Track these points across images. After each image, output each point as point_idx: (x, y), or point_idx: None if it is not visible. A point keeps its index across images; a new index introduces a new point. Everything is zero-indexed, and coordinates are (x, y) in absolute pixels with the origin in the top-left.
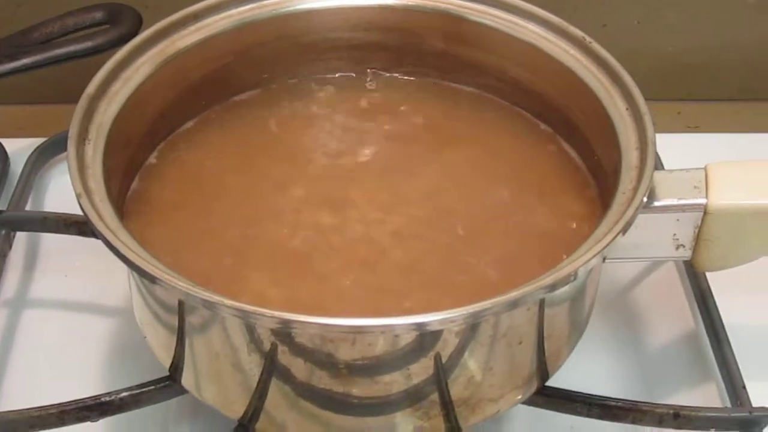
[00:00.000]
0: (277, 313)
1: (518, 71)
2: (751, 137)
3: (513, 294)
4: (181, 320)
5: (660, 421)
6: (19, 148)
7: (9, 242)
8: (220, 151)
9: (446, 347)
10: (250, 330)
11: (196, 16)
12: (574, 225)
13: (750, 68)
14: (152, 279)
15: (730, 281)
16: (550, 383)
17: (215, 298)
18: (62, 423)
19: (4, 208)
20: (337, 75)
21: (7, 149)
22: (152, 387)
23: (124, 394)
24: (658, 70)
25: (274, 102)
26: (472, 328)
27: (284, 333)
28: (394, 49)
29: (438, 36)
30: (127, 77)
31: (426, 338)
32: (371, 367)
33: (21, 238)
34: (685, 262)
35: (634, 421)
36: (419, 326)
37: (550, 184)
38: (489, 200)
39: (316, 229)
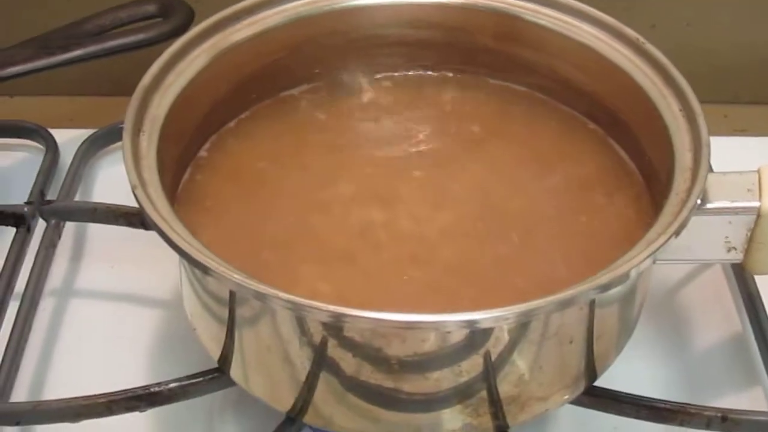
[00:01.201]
0: (330, 307)
1: (570, 71)
2: None
3: (565, 293)
4: (231, 312)
5: (708, 424)
6: (69, 139)
7: (58, 232)
8: (270, 145)
9: (497, 345)
10: (301, 323)
11: (250, 11)
12: (624, 226)
13: None
14: (205, 270)
15: None
16: (597, 384)
17: (268, 290)
18: (110, 412)
19: (54, 198)
20: (386, 71)
21: (57, 140)
22: (201, 378)
23: (173, 384)
24: (705, 73)
25: (324, 97)
26: (523, 326)
27: (335, 327)
28: (445, 47)
29: (489, 34)
30: (181, 70)
31: (477, 336)
32: (421, 363)
33: (69, 228)
34: (733, 264)
35: (682, 424)
36: (471, 323)
37: (600, 184)
38: (538, 199)
39: (365, 225)
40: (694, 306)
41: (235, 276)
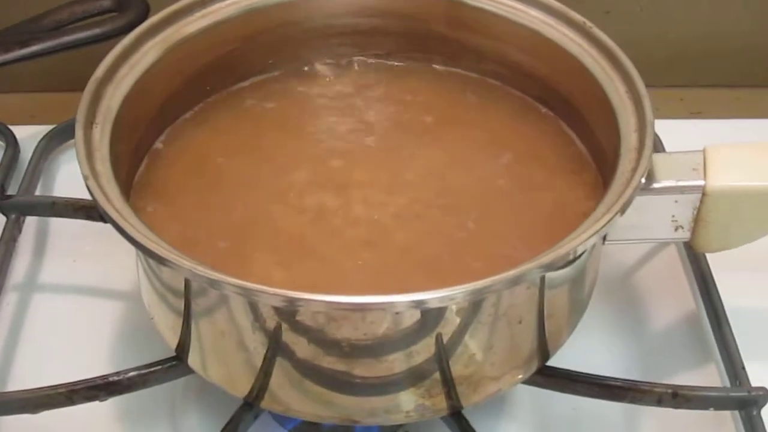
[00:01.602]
0: (280, 291)
1: (520, 56)
2: (753, 123)
3: (512, 272)
4: (187, 300)
5: (659, 401)
6: (29, 135)
7: (19, 227)
8: (225, 135)
9: (447, 325)
10: (254, 308)
11: (203, 3)
12: (575, 206)
13: (751, 55)
14: (159, 259)
15: (730, 263)
16: (550, 363)
17: (220, 276)
18: (71, 402)
19: (14, 193)
20: (340, 60)
21: (18, 136)
22: (159, 367)
23: (132, 373)
24: (661, 58)
25: (278, 87)
26: (472, 306)
27: (287, 311)
28: (397, 35)
29: (441, 21)
30: (134, 62)
31: (427, 316)
32: (373, 346)
33: (31, 223)
34: (685, 243)
35: (633, 401)
36: (420, 303)
37: (551, 166)
38: (490, 182)
39: (320, 211)
40: (649, 285)
41: (187, 264)
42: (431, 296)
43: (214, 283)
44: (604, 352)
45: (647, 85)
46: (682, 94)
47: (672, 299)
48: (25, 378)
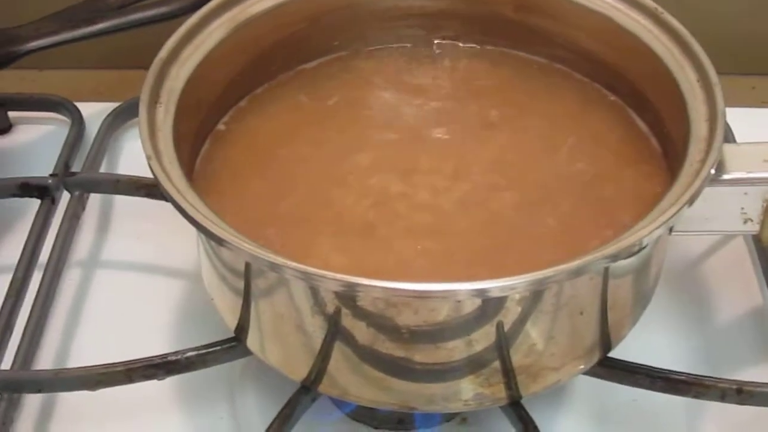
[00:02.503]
0: (340, 276)
1: (588, 42)
2: None
3: (576, 262)
4: (246, 282)
5: (723, 396)
6: (95, 112)
7: (83, 204)
8: (288, 117)
9: (508, 315)
10: (314, 293)
11: None
12: (641, 196)
13: None
14: (219, 241)
15: None
16: (612, 355)
17: (281, 260)
18: (129, 380)
19: (79, 170)
20: (406, 43)
21: (83, 113)
22: (218, 348)
23: (191, 353)
24: (733, 45)
25: (343, 69)
26: (534, 295)
27: (347, 296)
28: (465, 18)
29: (509, 4)
30: (199, 43)
31: (488, 305)
32: (433, 333)
33: (95, 199)
34: (753, 236)
35: (696, 396)
36: (481, 292)
37: (618, 154)
38: (555, 170)
39: (383, 197)
40: (715, 278)
41: (248, 246)
42: (493, 285)
43: (274, 267)
44: (667, 345)
45: (718, 73)
46: (753, 83)
47: (738, 293)
48: (85, 353)
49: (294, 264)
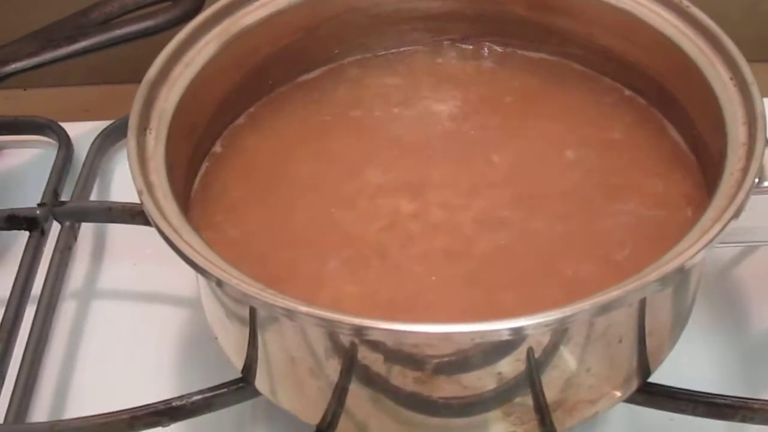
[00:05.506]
0: (357, 321)
1: (609, 39)
2: None
3: (612, 294)
4: (252, 323)
5: None
6: (83, 133)
7: (74, 234)
8: (289, 134)
9: (539, 348)
10: (329, 336)
11: None
12: (674, 207)
13: None
14: (218, 282)
15: None
16: (650, 379)
17: (287, 303)
18: (132, 429)
19: (68, 198)
20: (411, 48)
21: (71, 134)
22: (225, 390)
23: (196, 397)
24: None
25: (345, 79)
26: (566, 328)
27: (364, 336)
28: (473, 18)
29: (521, 3)
30: (189, 60)
31: (520, 339)
32: (459, 372)
33: (88, 227)
34: None
35: (743, 420)
36: (515, 332)
37: (645, 161)
38: (577, 181)
39: (394, 217)
40: (750, 287)
41: (250, 288)
42: (523, 324)
43: (279, 310)
44: (704, 362)
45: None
46: None
47: None
48: (83, 397)
49: (305, 308)
